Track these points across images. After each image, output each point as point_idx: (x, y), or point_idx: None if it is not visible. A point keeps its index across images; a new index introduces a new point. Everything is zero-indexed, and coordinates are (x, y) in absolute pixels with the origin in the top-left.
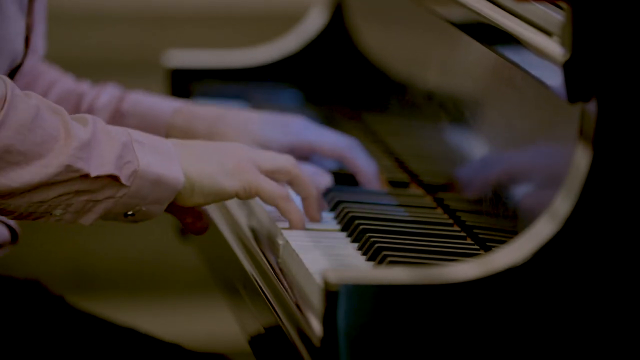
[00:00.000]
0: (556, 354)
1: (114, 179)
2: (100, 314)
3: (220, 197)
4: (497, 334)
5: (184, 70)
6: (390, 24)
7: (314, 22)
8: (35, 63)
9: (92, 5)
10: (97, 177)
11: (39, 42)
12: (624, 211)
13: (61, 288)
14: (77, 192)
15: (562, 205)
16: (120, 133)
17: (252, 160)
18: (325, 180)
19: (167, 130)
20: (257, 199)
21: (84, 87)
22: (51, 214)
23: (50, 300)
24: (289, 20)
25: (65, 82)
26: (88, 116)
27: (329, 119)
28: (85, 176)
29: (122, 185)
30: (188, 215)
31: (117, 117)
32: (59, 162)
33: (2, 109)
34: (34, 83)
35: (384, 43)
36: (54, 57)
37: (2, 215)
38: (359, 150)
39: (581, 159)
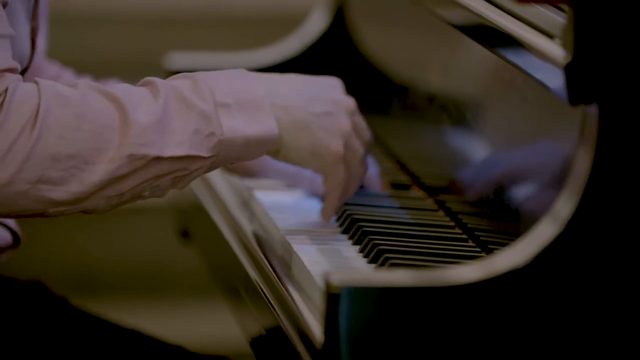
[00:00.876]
0: (558, 356)
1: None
2: (103, 315)
3: (298, 167)
4: (499, 336)
5: (185, 72)
6: (392, 26)
7: (315, 24)
8: (37, 59)
9: (93, 8)
10: (174, 158)
11: (41, 41)
12: (625, 213)
13: (64, 290)
14: (157, 177)
15: (563, 207)
16: (199, 99)
17: (347, 139)
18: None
19: None
20: (257, 200)
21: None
22: (140, 196)
23: (53, 302)
24: (290, 22)
25: (67, 77)
26: (160, 84)
27: None
28: (158, 158)
29: (206, 157)
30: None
31: None
32: (120, 153)
33: (35, 121)
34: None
35: (386, 45)
36: (55, 59)
37: (86, 213)
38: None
39: (583, 160)
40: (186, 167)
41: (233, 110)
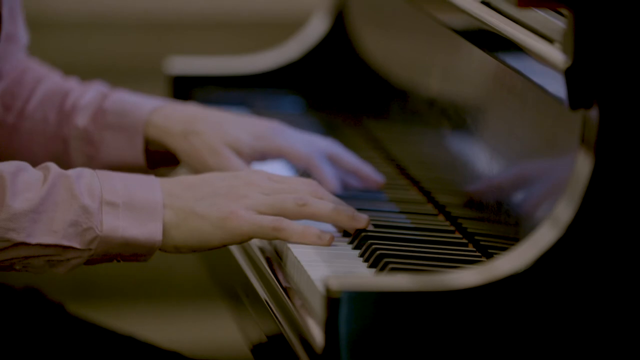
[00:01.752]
0: None
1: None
2: (99, 322)
3: (210, 248)
4: (499, 341)
5: (186, 77)
6: (392, 30)
7: (315, 28)
8: (21, 56)
9: (93, 12)
10: (42, 245)
11: (20, 31)
12: (625, 217)
13: (60, 296)
14: (26, 257)
15: (563, 211)
16: (87, 193)
17: (247, 201)
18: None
19: (145, 128)
20: None
21: (71, 84)
22: (11, 267)
23: (49, 308)
24: (290, 26)
25: (52, 79)
26: (53, 171)
27: (331, 126)
28: (24, 244)
29: (81, 249)
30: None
31: (99, 115)
32: None
33: None
34: (20, 80)
35: (386, 50)
36: (55, 64)
37: None
38: (324, 161)
39: (583, 165)
40: (59, 254)
41: (119, 210)
